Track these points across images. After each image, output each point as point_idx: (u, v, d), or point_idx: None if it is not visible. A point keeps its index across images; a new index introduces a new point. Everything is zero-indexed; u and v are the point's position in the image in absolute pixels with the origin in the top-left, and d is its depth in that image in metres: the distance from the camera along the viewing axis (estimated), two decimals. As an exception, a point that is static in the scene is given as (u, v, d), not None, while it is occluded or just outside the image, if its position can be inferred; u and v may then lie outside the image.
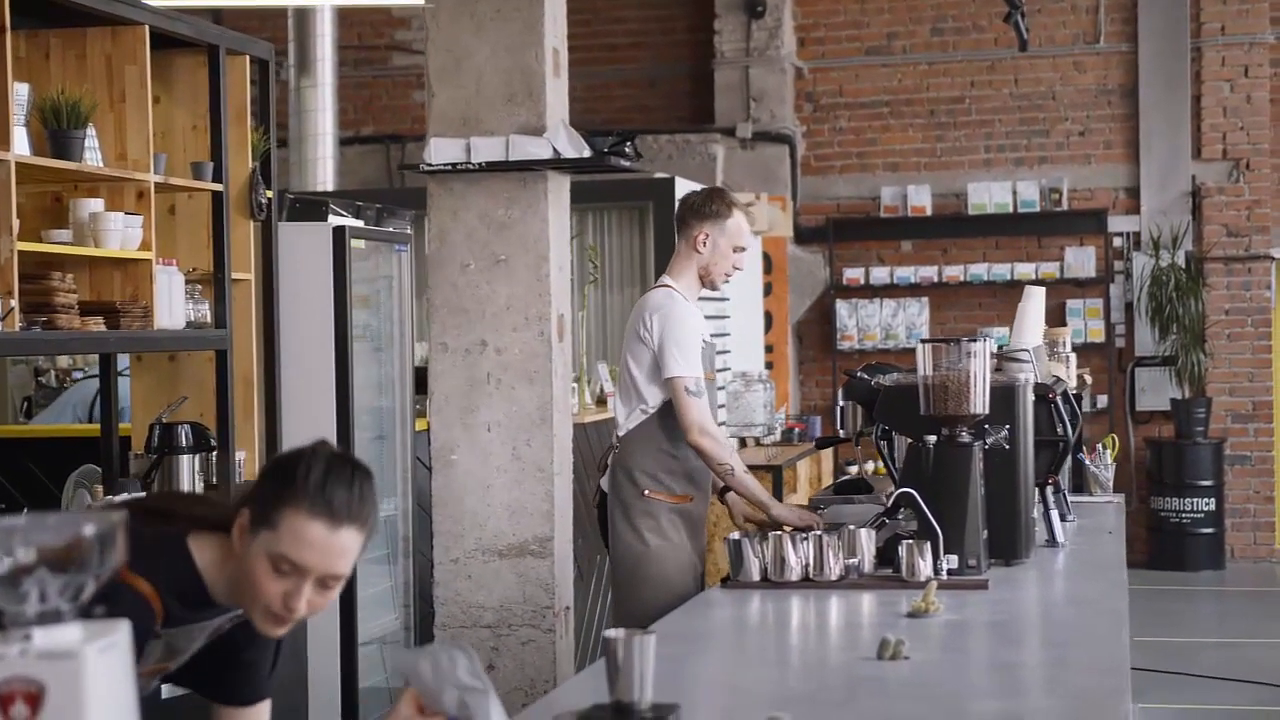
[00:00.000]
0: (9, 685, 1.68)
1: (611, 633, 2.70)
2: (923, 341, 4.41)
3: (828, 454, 10.75)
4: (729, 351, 10.40)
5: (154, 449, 5.43)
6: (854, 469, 9.82)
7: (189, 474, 5.41)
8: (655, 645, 2.70)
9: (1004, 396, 4.50)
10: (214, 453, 5.59)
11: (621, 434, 5.28)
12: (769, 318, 12.41)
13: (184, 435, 5.42)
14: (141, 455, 5.52)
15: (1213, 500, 12.19)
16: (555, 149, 5.41)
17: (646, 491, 5.18)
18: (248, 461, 5.88)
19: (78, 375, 8.54)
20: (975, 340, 4.38)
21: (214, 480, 5.62)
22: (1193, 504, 12.16)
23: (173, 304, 5.30)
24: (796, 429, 10.69)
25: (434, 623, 5.65)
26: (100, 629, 1.73)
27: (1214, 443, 12.28)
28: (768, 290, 12.36)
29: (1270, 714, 8.00)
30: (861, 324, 12.87)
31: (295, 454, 2.63)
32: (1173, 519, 12.20)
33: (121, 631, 1.75)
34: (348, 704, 6.23)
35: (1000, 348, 5.38)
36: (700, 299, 8.98)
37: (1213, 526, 12.21)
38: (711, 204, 5.30)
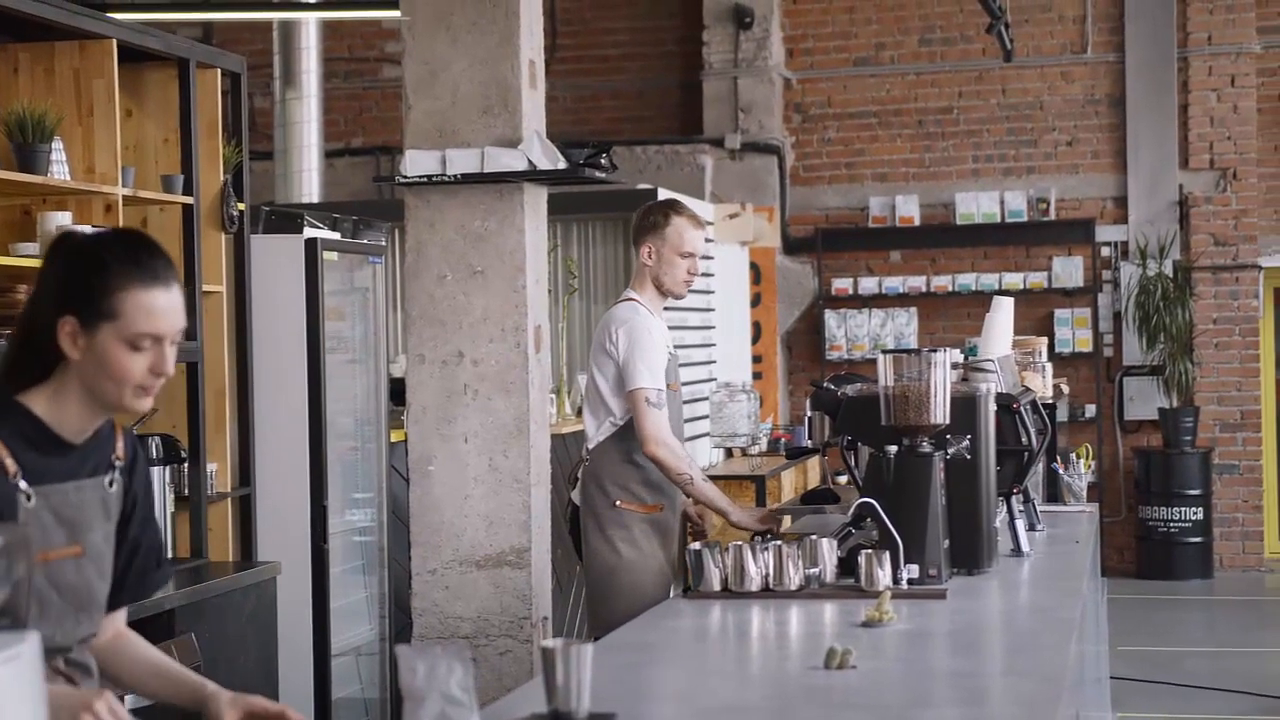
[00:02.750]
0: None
1: (548, 643, 2.73)
2: (883, 352, 4.43)
3: (814, 464, 10.76)
4: (715, 362, 10.42)
5: (125, 460, 5.44)
6: (844, 479, 9.82)
7: (160, 485, 5.42)
8: (592, 655, 2.72)
9: (965, 406, 4.51)
10: (185, 464, 5.61)
11: (591, 446, 5.36)
12: (757, 328, 12.44)
13: (155, 447, 5.43)
14: (114, 467, 5.53)
15: (1201, 509, 12.19)
16: (530, 161, 5.43)
17: (618, 502, 5.28)
18: (219, 473, 5.90)
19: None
20: (936, 351, 4.39)
21: (185, 492, 5.64)
22: (1181, 513, 12.17)
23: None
24: (783, 439, 10.69)
25: (411, 634, 5.66)
26: (5, 641, 1.74)
27: (1202, 452, 12.29)
28: (756, 300, 12.39)
29: (1254, 723, 8.01)
30: (850, 334, 12.88)
31: (81, 248, 2.71)
32: (1161, 528, 12.21)
33: (29, 643, 1.77)
34: (321, 715, 6.23)
35: (966, 357, 5.40)
36: (681, 309, 9.00)
37: (1201, 536, 12.22)
38: (649, 216, 5.42)
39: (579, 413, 8.58)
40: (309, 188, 10.70)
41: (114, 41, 5.23)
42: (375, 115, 13.63)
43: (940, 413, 4.36)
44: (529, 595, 5.52)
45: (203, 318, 5.72)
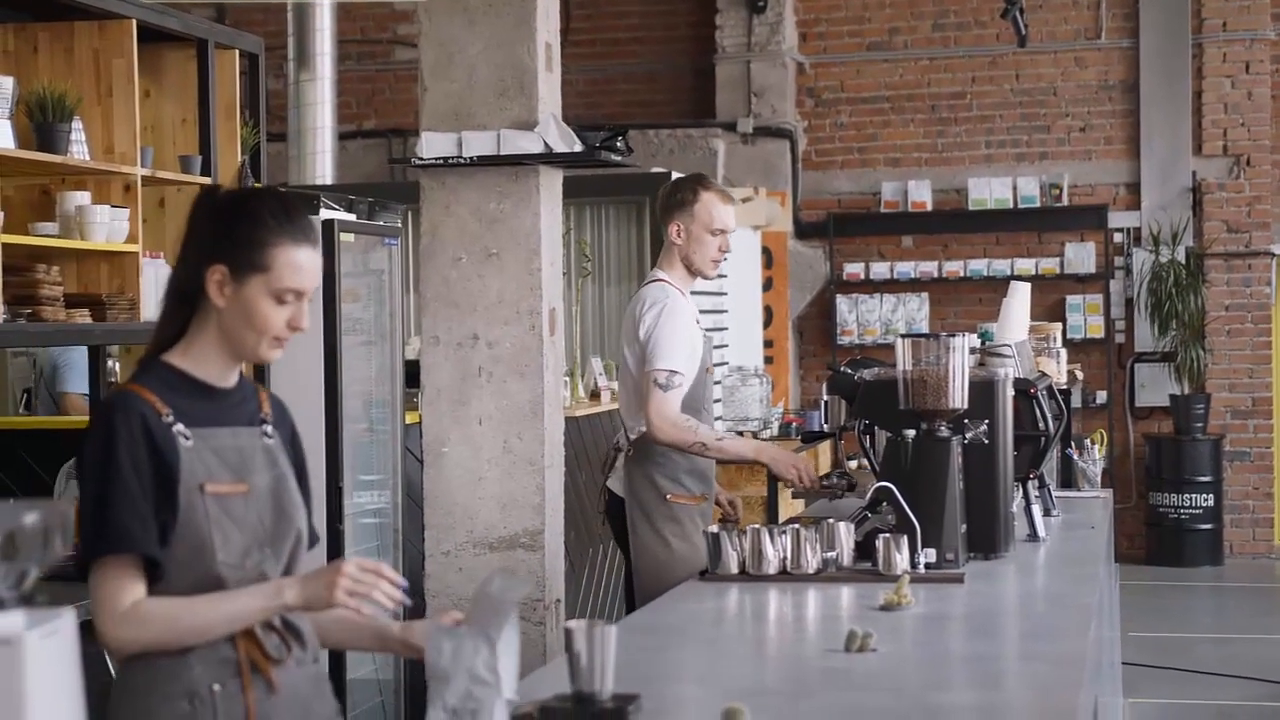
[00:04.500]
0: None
1: (572, 624, 2.73)
2: (902, 336, 4.43)
3: (826, 448, 10.75)
4: (727, 346, 10.42)
5: (142, 441, 5.44)
6: (854, 464, 9.81)
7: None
8: (616, 636, 2.72)
9: (983, 391, 4.51)
10: (202, 444, 5.61)
11: (634, 437, 5.23)
12: (769, 312, 12.43)
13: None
14: (130, 447, 5.53)
15: (1211, 496, 12.20)
16: (546, 143, 5.42)
17: (669, 496, 5.16)
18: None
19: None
20: (954, 336, 4.39)
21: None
22: (1191, 500, 12.17)
23: (160, 296, 5.32)
24: (795, 423, 10.68)
25: (424, 616, 5.67)
26: (43, 617, 1.75)
27: (1213, 439, 12.29)
28: (768, 285, 12.38)
29: (1264, 709, 8.01)
30: (862, 319, 12.89)
31: (236, 202, 2.85)
32: (1171, 515, 12.21)
33: (66, 619, 1.78)
34: (336, 696, 6.24)
35: (984, 343, 5.39)
36: (697, 291, 8.98)
37: (1211, 522, 12.22)
38: (676, 194, 5.28)
39: (593, 396, 8.58)
40: (322, 169, 10.70)
41: (133, 21, 5.24)
42: (388, 98, 13.63)
43: (958, 397, 4.36)
44: (542, 578, 5.52)
45: (219, 299, 5.72)
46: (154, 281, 5.32)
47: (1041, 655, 3.36)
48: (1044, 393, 5.12)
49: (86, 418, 5.87)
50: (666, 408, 5.06)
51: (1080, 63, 12.78)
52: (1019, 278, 11.81)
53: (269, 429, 2.92)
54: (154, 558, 2.73)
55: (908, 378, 4.38)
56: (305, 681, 2.89)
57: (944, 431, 4.38)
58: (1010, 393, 4.67)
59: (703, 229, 5.24)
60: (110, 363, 6.32)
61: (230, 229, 2.81)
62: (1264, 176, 12.53)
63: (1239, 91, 12.52)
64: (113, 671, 4.55)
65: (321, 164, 10.73)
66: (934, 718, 2.87)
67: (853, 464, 9.68)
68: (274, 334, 2.81)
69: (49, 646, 1.74)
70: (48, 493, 5.87)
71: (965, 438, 4.44)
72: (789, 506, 8.69)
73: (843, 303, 12.89)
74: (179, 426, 2.78)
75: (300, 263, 2.81)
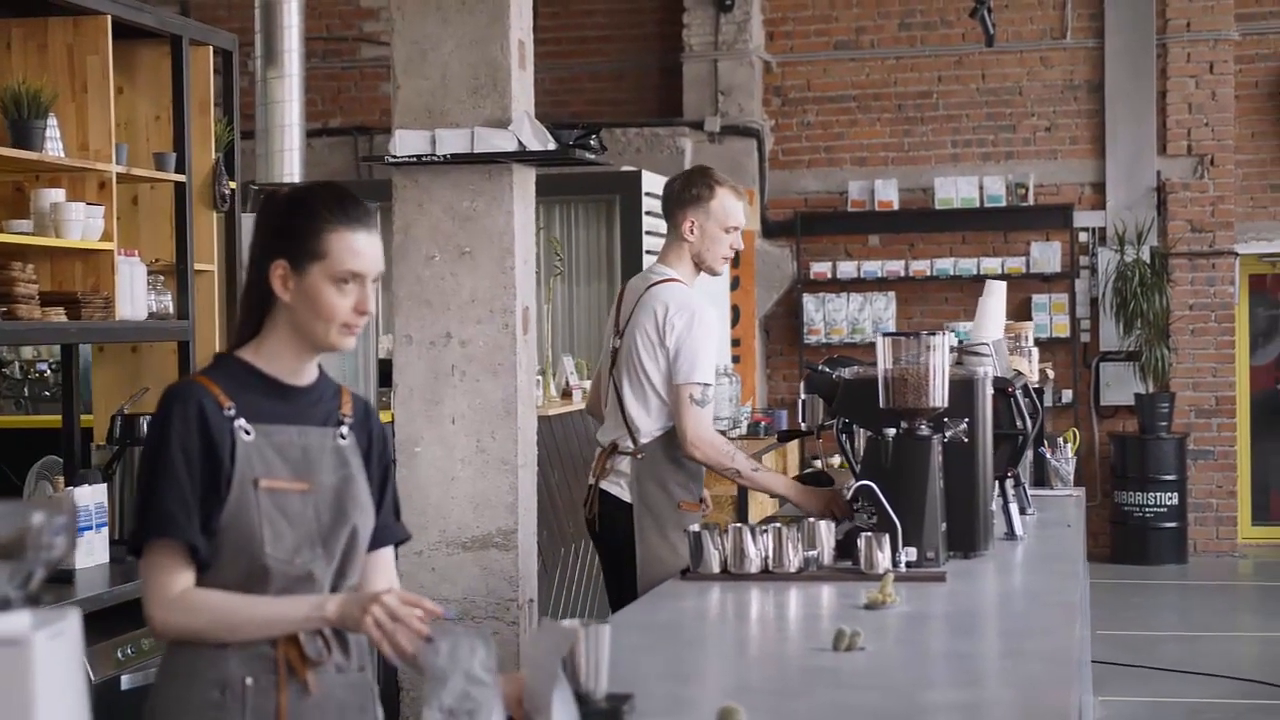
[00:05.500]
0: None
1: (568, 623, 2.72)
2: (883, 335, 4.43)
3: (793, 447, 10.78)
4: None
5: (115, 440, 5.41)
6: (819, 462, 9.83)
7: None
8: (610, 636, 2.72)
9: (963, 390, 4.52)
10: (176, 444, 5.58)
11: (644, 440, 5.03)
12: (736, 311, 12.45)
13: (145, 427, 5.40)
14: (103, 446, 5.50)
15: (1175, 494, 12.27)
16: (520, 141, 5.41)
17: (682, 503, 5.03)
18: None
19: (42, 367, 8.51)
20: (934, 334, 4.40)
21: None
22: (1155, 498, 12.24)
23: (134, 295, 5.29)
24: (763, 423, 10.69)
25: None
26: (50, 617, 1.73)
27: (1177, 437, 12.36)
28: (735, 284, 12.40)
29: (1232, 706, 8.05)
30: (828, 318, 12.91)
31: (290, 198, 2.92)
32: (1136, 513, 12.28)
33: (71, 620, 1.76)
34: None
35: (961, 341, 5.40)
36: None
37: (1175, 521, 12.29)
38: (691, 188, 5.07)
39: (565, 395, 8.56)
40: (290, 167, 10.62)
41: (108, 18, 5.20)
42: (353, 95, 13.59)
43: (939, 396, 4.37)
44: (515, 577, 5.51)
45: (194, 297, 5.69)
46: (128, 279, 5.28)
47: (1030, 653, 3.37)
48: (1020, 391, 5.13)
49: (59, 418, 5.84)
50: (703, 426, 4.92)
51: (1046, 62, 12.84)
52: (985, 277, 11.88)
53: (344, 430, 2.94)
54: (195, 545, 2.77)
55: (888, 376, 4.39)
56: (344, 688, 2.89)
57: (924, 430, 4.39)
58: (990, 391, 4.67)
59: (718, 226, 5.05)
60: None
61: (287, 223, 2.87)
62: (1228, 176, 12.60)
63: (1203, 91, 12.60)
64: (90, 675, 4.54)
65: (289, 162, 10.64)
66: (929, 716, 2.88)
67: (818, 462, 9.70)
68: (342, 320, 2.86)
69: (56, 647, 1.73)
70: (17, 493, 5.83)
71: (945, 436, 4.44)
72: (759, 507, 8.70)
73: (810, 302, 12.91)
74: (241, 421, 2.82)
75: (356, 246, 2.85)
